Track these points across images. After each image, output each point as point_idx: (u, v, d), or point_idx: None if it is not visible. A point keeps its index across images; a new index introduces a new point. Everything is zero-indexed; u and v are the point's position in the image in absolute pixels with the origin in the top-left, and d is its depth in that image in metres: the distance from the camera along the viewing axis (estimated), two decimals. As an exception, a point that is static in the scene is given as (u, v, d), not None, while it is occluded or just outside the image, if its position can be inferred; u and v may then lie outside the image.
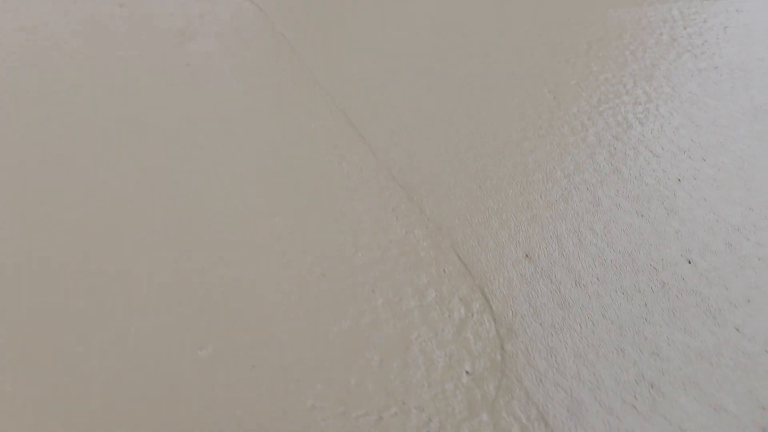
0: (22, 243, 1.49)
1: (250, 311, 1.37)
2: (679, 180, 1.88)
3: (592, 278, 1.51)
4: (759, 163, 1.94)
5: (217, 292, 1.40)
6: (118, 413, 1.17)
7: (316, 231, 1.55)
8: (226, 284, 1.42)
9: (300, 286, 1.42)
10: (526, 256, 1.56)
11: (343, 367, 1.27)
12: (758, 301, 1.48)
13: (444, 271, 1.49)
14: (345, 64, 2.29)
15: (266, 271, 1.45)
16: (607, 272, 1.53)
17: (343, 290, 1.41)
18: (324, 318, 1.36)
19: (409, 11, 2.71)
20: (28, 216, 1.56)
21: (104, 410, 1.17)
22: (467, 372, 1.28)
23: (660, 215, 1.72)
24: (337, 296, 1.40)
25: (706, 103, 2.26)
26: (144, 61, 2.17)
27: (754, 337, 1.40)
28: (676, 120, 2.14)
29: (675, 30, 2.80)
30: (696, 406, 1.25)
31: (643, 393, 1.27)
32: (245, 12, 2.60)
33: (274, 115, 1.97)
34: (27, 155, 1.74)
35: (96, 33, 2.29)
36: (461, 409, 1.21)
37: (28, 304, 1.35)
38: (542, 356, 1.32)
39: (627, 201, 1.77)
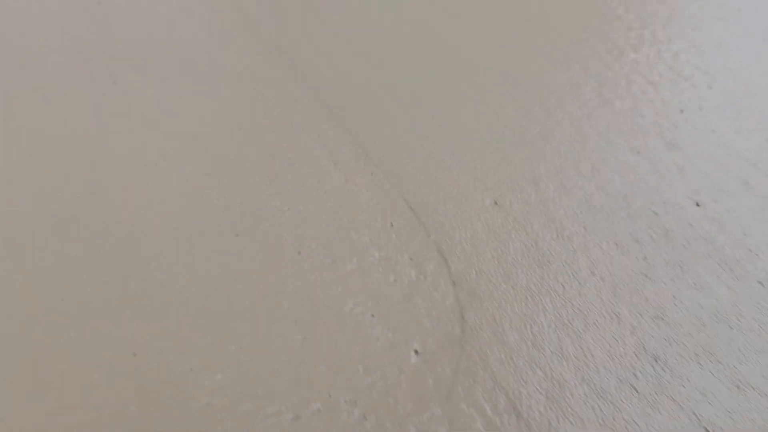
0: None
1: (146, 275, 1.05)
2: (682, 111, 1.57)
3: (578, 228, 1.21)
4: (776, 86, 1.62)
5: (126, 261, 1.09)
6: None
7: (232, 178, 1.24)
8: (135, 253, 1.11)
9: (207, 248, 1.11)
10: (495, 203, 1.25)
11: (253, 349, 0.97)
12: (787, 248, 1.18)
13: (391, 225, 1.18)
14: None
15: (173, 229, 1.14)
16: (597, 220, 1.22)
17: (260, 252, 1.10)
18: (233, 286, 1.05)
19: None
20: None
21: None
22: (416, 351, 0.98)
23: (660, 151, 1.41)
24: (253, 259, 1.09)
25: (710, 26, 1.94)
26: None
27: (784, 293, 1.10)
28: (675, 45, 1.82)
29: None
30: (713, 383, 0.96)
31: (645, 370, 0.97)
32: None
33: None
34: None
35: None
36: (407, 401, 0.91)
37: None
38: (514, 327, 1.02)
39: (619, 136, 1.45)
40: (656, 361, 0.98)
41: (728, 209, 1.26)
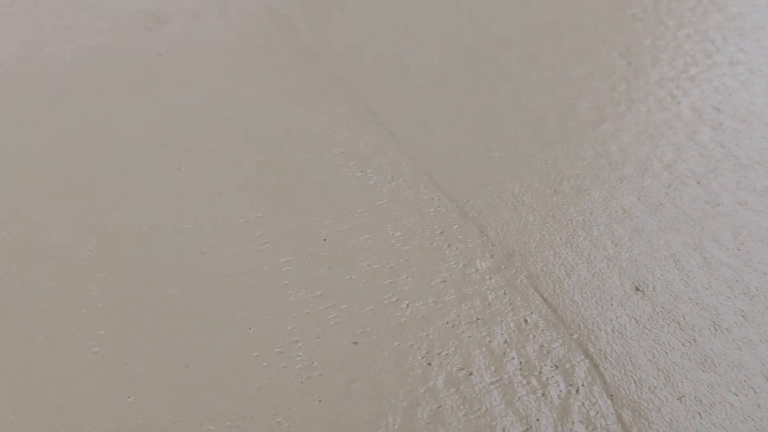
0: None
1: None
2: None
3: (736, 317, 1.05)
4: None
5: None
6: None
7: (335, 273, 1.10)
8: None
9: (326, 356, 0.97)
10: (636, 288, 1.10)
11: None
12: None
13: (525, 321, 1.03)
14: (348, 41, 1.82)
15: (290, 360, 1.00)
16: (754, 306, 1.06)
17: (384, 361, 0.96)
18: (351, 396, 0.90)
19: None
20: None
21: None
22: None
23: (802, 212, 1.24)
24: (377, 370, 0.95)
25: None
26: (103, 52, 1.71)
27: None
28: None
29: (756, -30, 2.29)
30: None
31: None
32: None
33: (279, 118, 1.51)
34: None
35: (45, 23, 1.83)
36: None
37: None
38: None
39: (754, 196, 1.29)
40: None
41: None
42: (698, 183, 1.32)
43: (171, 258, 1.11)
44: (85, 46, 1.69)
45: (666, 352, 0.99)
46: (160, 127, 1.43)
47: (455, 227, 1.21)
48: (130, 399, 0.86)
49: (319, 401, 0.88)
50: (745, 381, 0.96)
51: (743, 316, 1.05)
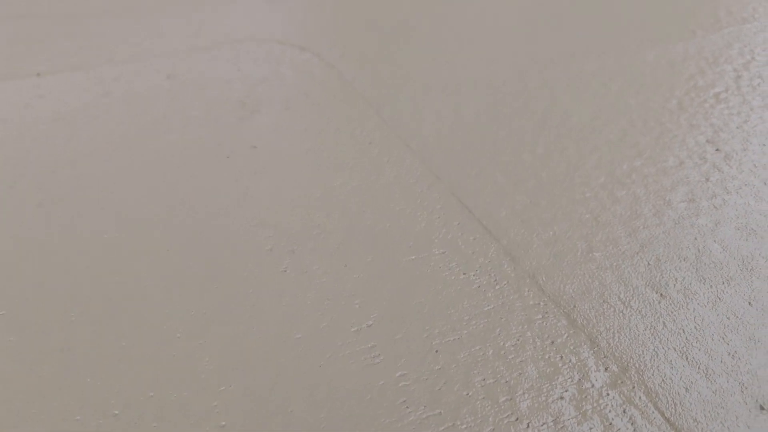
0: None
1: None
2: None
3: None
4: None
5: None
6: None
7: (452, 389, 1.10)
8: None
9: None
10: (761, 408, 1.07)
11: None
12: None
13: (624, 411, 1.01)
14: (443, 126, 1.85)
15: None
16: None
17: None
18: None
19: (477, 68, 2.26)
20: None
21: None
22: None
23: None
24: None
25: None
26: (199, 145, 1.77)
27: None
28: None
29: (836, 43, 2.26)
30: None
31: None
32: (314, 69, 2.19)
33: (373, 209, 1.54)
34: (81, 246, 1.35)
35: (141, 113, 1.92)
36: None
37: None
38: None
39: None
40: None
41: None
42: (810, 284, 1.29)
43: (291, 370, 1.13)
44: (183, 139, 1.76)
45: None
46: (266, 226, 1.47)
47: (565, 336, 1.20)
48: None
49: None
50: None
51: None
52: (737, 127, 1.80)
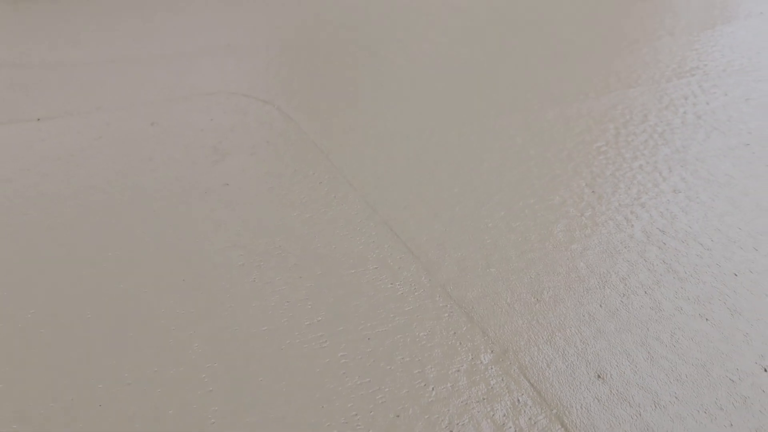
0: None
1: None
2: (736, 275, 1.85)
3: (671, 397, 1.46)
4: (815, 252, 1.91)
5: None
6: None
7: (378, 364, 1.51)
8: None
9: (383, 422, 1.36)
10: (598, 376, 1.51)
11: None
12: None
13: (518, 400, 1.44)
14: (380, 169, 2.29)
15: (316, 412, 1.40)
16: (685, 389, 1.48)
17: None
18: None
19: (434, 117, 2.73)
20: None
21: None
22: None
23: (724, 317, 1.68)
24: (415, 442, 1.34)
25: (744, 185, 2.25)
26: (181, 182, 2.16)
27: None
28: (719, 207, 2.12)
29: (698, 107, 2.82)
30: None
31: None
32: (274, 120, 2.61)
33: (319, 236, 1.95)
34: (85, 279, 1.71)
35: (130, 154, 2.30)
36: None
37: None
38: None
39: (688, 303, 1.73)
40: None
41: (793, 375, 1.51)
42: (645, 293, 1.76)
43: (259, 353, 1.52)
44: (167, 176, 2.14)
45: (619, 424, 1.40)
46: (237, 248, 1.87)
47: (464, 329, 1.63)
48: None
49: (379, 457, 1.27)
50: (674, 444, 1.36)
51: (676, 398, 1.47)
52: (610, 174, 2.30)
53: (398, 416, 1.40)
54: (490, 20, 4.10)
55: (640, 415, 1.42)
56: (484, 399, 1.44)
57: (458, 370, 1.51)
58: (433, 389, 1.46)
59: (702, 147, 2.50)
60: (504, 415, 1.41)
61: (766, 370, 1.54)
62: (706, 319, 1.68)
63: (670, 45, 3.57)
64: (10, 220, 1.97)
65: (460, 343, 1.59)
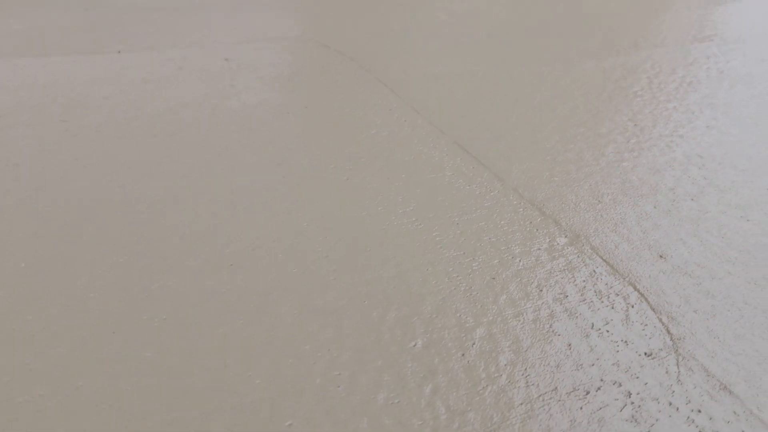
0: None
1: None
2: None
3: (724, 273, 1.68)
4: (839, 170, 2.14)
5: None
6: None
7: (469, 242, 1.71)
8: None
9: (461, 275, 1.56)
10: (660, 256, 1.73)
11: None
12: None
13: (594, 271, 1.65)
14: (442, 101, 2.50)
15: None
16: (735, 267, 1.70)
17: (517, 289, 1.56)
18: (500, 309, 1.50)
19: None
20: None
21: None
22: (646, 354, 1.42)
23: (764, 219, 1.90)
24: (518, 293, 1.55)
25: (769, 124, 2.49)
26: (264, 105, 2.36)
27: None
28: (749, 139, 2.36)
29: (720, 64, 3.07)
30: None
31: (808, 362, 1.42)
32: (338, 62, 2.82)
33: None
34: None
35: (211, 82, 2.49)
36: (653, 383, 1.35)
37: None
38: (708, 337, 1.47)
39: (730, 208, 1.95)
40: (813, 357, 1.43)
41: (828, 259, 1.73)
42: (692, 200, 1.98)
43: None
44: (251, 100, 2.34)
45: (683, 288, 1.61)
46: (328, 156, 2.07)
47: (539, 220, 1.84)
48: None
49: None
50: (733, 305, 1.58)
51: (729, 273, 1.68)
52: (649, 112, 2.53)
53: (494, 278, 1.60)
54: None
55: (700, 284, 1.64)
56: (565, 269, 1.66)
57: (539, 249, 1.72)
58: (520, 261, 1.67)
59: (727, 94, 2.74)
60: (584, 281, 1.62)
61: (804, 256, 1.77)
62: (748, 220, 1.91)
63: (689, 16, 3.83)
64: (117, 132, 2.15)
65: (537, 230, 1.80)
